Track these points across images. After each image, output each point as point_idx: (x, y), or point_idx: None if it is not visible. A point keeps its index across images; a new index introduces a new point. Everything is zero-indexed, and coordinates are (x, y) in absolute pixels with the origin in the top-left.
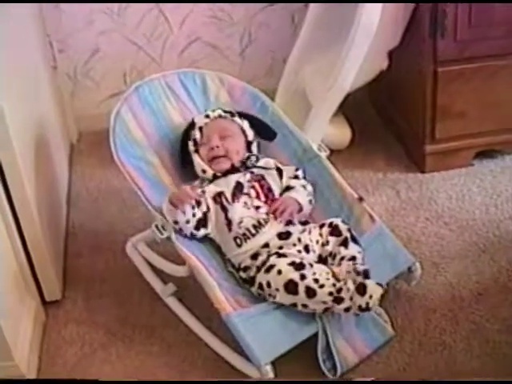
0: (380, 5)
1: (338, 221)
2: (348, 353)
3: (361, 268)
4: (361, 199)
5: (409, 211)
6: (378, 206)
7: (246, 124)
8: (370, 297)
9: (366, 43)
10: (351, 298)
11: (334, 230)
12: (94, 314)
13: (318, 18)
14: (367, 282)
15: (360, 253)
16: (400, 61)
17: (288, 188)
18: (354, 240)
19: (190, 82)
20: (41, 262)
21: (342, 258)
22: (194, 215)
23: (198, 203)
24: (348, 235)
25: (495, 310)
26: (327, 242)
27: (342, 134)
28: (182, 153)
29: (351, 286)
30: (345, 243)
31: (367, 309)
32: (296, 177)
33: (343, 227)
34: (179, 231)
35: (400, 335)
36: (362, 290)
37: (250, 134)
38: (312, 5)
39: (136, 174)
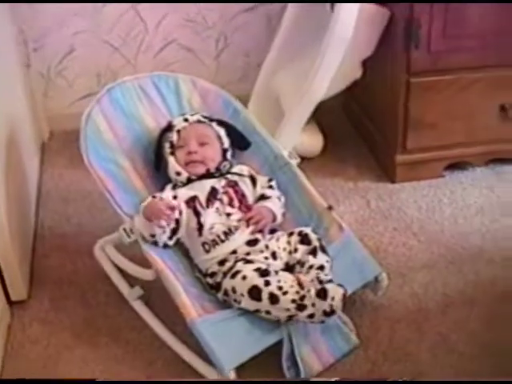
0: (355, 13)
1: (307, 230)
2: (312, 360)
3: (325, 278)
4: (330, 208)
5: (378, 221)
6: (348, 214)
7: (222, 132)
8: (333, 299)
9: (340, 51)
10: (313, 305)
11: (304, 239)
12: (59, 315)
13: (293, 24)
14: (327, 285)
15: (328, 262)
16: (374, 70)
17: (263, 197)
18: (323, 249)
19: (163, 85)
20: (7, 262)
21: (311, 267)
22: (168, 224)
23: (171, 209)
24: (317, 244)
25: (461, 322)
26: (296, 250)
27: (314, 141)
28: (156, 154)
29: (313, 292)
30: (314, 252)
31: (332, 312)
32: (270, 187)
33: (313, 236)
34: (154, 244)
35: (365, 344)
36: (322, 294)
37: (226, 141)
38: (288, 11)
39: (106, 176)
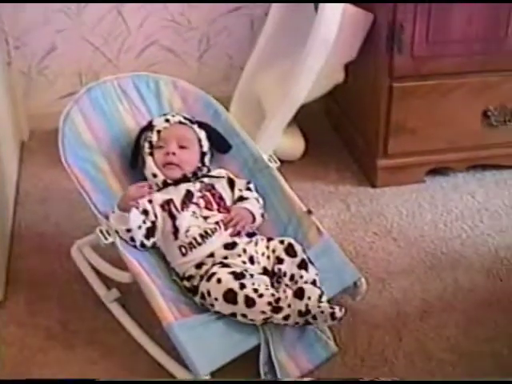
0: (338, 16)
1: (290, 240)
2: (290, 367)
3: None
4: (309, 212)
5: (358, 225)
6: (328, 218)
7: (203, 134)
8: (309, 298)
9: (323, 55)
10: (289, 306)
11: (289, 249)
12: (35, 316)
13: (276, 26)
14: (304, 285)
15: (317, 275)
16: (356, 74)
17: (241, 198)
18: (310, 261)
19: (144, 86)
20: None
21: (305, 283)
22: (144, 222)
23: (146, 212)
24: (305, 257)
25: (439, 329)
26: (281, 261)
27: (295, 144)
28: (133, 153)
29: (290, 293)
30: (304, 266)
31: (307, 312)
32: (248, 189)
33: (298, 248)
34: (131, 241)
35: (343, 350)
36: (299, 294)
37: (206, 144)
38: (271, 13)
39: (83, 177)
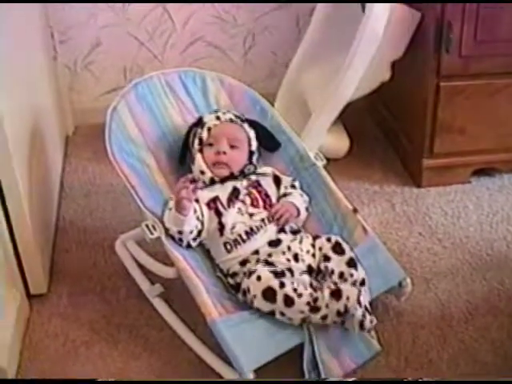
0: (386, 14)
1: (338, 238)
2: (333, 366)
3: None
4: (355, 210)
5: (403, 225)
6: (372, 218)
7: (252, 134)
8: (347, 298)
9: (370, 52)
10: (327, 306)
11: (337, 247)
12: (78, 310)
13: (322, 24)
14: (341, 285)
15: (366, 274)
16: (403, 73)
17: (285, 195)
18: (358, 260)
19: (190, 82)
20: (28, 255)
21: (355, 282)
22: (196, 226)
23: (194, 211)
24: (353, 255)
25: (484, 331)
26: (328, 258)
27: (340, 143)
28: (183, 149)
29: (327, 293)
30: (354, 264)
31: (346, 311)
32: (293, 186)
33: (346, 246)
34: (178, 240)
35: (386, 350)
36: (337, 294)
37: (255, 144)
38: (317, 10)
39: (129, 171)
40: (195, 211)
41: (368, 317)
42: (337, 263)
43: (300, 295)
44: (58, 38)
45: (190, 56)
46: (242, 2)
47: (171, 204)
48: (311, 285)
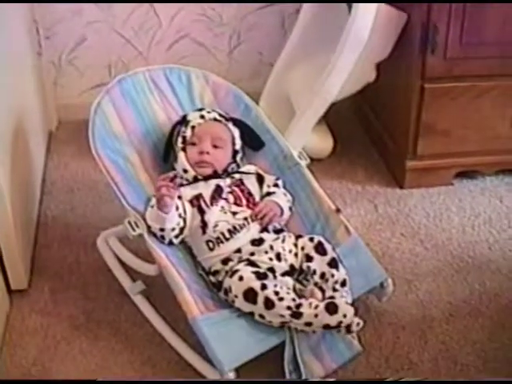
0: (372, 14)
1: (321, 238)
2: (315, 366)
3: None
4: (338, 210)
5: (385, 226)
6: (355, 218)
7: (237, 133)
8: (344, 316)
9: (355, 52)
10: (316, 315)
11: (319, 248)
12: (59, 306)
13: (308, 23)
14: (337, 301)
15: (347, 274)
16: (387, 74)
17: (268, 194)
18: (340, 261)
19: (175, 79)
20: (9, 250)
21: (336, 282)
22: (178, 224)
23: (176, 208)
24: (335, 255)
25: (465, 332)
26: (310, 258)
27: (323, 143)
28: (166, 147)
29: (322, 306)
30: (335, 265)
31: (337, 327)
32: (276, 185)
33: (328, 246)
34: (160, 238)
35: (368, 351)
36: (332, 309)
37: (239, 143)
38: (303, 10)
39: (112, 168)
40: (177, 208)
41: (355, 320)
42: (319, 263)
43: (281, 299)
44: (43, 34)
45: (175, 53)
46: (229, 2)
47: (153, 201)
48: (294, 289)
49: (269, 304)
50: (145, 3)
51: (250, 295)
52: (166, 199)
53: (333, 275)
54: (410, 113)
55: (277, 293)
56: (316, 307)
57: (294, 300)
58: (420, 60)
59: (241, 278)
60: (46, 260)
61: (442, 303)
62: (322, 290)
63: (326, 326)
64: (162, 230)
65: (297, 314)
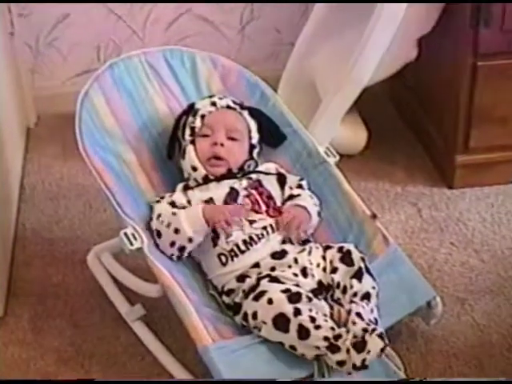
0: None
1: (350, 246)
2: None
3: (368, 327)
4: (374, 216)
5: (431, 234)
6: (395, 225)
7: (253, 124)
8: (368, 352)
9: (391, 27)
10: (348, 351)
11: (345, 257)
12: (42, 336)
13: None
14: (367, 337)
15: (374, 288)
16: (431, 51)
17: (291, 197)
18: (368, 271)
19: (177, 63)
20: None
21: (355, 295)
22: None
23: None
24: (362, 265)
25: None
26: (335, 270)
27: (355, 136)
28: (171, 141)
29: (349, 342)
30: (358, 275)
31: (363, 367)
32: (300, 186)
33: (356, 255)
34: (170, 246)
35: None
36: (360, 346)
37: (256, 136)
38: None
39: (105, 170)
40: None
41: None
42: (342, 275)
43: (318, 327)
44: (15, 11)
45: (175, 33)
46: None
47: (165, 204)
48: (332, 315)
49: (303, 333)
50: None
51: (281, 322)
52: (228, 226)
53: (352, 286)
54: (460, 97)
55: (313, 319)
56: (346, 340)
57: (332, 329)
58: (471, 34)
59: (270, 301)
60: (26, 281)
61: (503, 326)
62: (342, 306)
63: (354, 367)
64: (190, 240)
65: (334, 347)
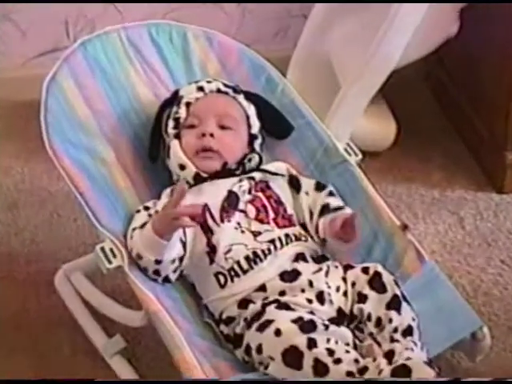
0: None
1: (377, 266)
2: None
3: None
4: (405, 227)
5: (476, 249)
6: (431, 238)
7: (252, 110)
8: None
9: None
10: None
11: (375, 281)
12: (1, 376)
13: None
14: (410, 362)
15: (414, 320)
16: (475, 25)
17: (327, 209)
18: (405, 299)
19: (165, 40)
20: None
21: (395, 330)
22: (178, 252)
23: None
24: (398, 292)
25: None
26: (364, 298)
27: (382, 129)
28: (152, 137)
29: (385, 365)
30: (396, 305)
31: None
32: (331, 194)
33: (388, 278)
34: (153, 274)
35: None
36: (402, 373)
37: (256, 124)
38: None
39: (77, 171)
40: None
41: None
42: (374, 305)
43: (338, 360)
44: None
45: (162, 5)
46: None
47: (143, 217)
48: (355, 345)
49: (320, 369)
50: None
51: (293, 356)
52: (185, 222)
53: (390, 320)
54: None
55: (331, 352)
56: (380, 372)
57: (356, 361)
58: None
59: (278, 332)
60: None
61: None
62: (379, 344)
63: None
64: (158, 262)
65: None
